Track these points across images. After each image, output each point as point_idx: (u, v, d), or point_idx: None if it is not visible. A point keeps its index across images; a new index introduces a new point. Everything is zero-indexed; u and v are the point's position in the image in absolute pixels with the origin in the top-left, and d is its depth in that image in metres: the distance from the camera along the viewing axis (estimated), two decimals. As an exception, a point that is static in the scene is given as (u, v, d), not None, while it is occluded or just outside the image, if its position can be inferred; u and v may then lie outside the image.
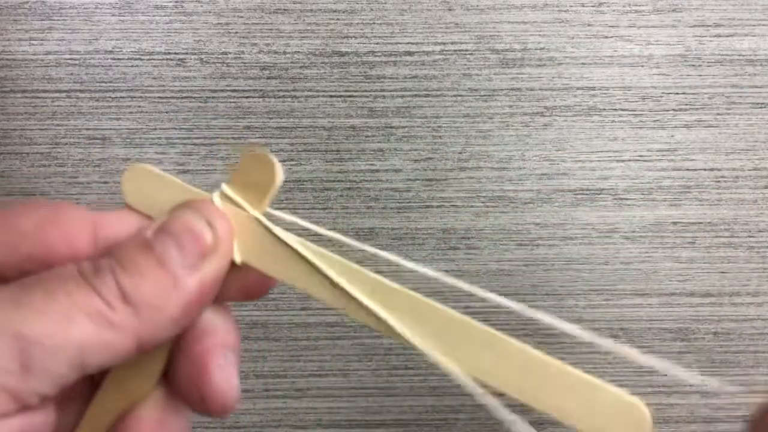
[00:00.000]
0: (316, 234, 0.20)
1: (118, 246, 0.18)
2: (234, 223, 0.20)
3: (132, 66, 0.38)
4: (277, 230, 0.20)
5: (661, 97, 0.38)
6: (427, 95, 0.38)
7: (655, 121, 0.38)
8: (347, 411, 0.39)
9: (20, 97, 0.38)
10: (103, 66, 0.38)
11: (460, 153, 0.38)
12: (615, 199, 0.39)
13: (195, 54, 0.38)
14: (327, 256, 0.19)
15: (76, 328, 0.16)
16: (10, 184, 0.38)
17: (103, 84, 0.38)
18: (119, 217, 0.20)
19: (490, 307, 0.22)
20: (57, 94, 0.38)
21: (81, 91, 0.38)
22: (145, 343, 0.17)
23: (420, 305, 0.18)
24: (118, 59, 0.38)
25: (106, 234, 0.20)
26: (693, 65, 0.38)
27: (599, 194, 0.39)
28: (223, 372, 0.19)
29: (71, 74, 0.38)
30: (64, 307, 0.16)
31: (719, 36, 0.38)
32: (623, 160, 0.39)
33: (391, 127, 0.38)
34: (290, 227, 0.20)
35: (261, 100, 0.38)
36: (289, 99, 0.38)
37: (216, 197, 0.20)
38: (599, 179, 0.39)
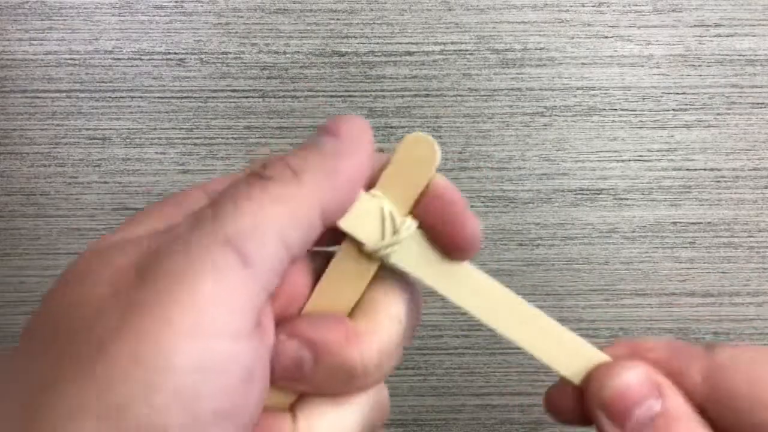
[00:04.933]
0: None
1: None
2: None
3: (132, 66, 0.38)
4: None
5: (661, 97, 0.38)
6: (427, 95, 0.38)
7: (655, 121, 0.38)
8: (347, 411, 0.39)
9: (20, 97, 0.38)
10: (103, 66, 0.38)
11: (460, 153, 0.38)
12: (615, 199, 0.39)
13: (195, 54, 0.38)
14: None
15: (268, 212, 0.17)
16: (10, 184, 0.38)
17: (103, 84, 0.38)
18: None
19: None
20: (57, 94, 0.38)
21: (81, 91, 0.38)
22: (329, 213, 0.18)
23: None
24: (118, 59, 0.38)
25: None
26: (693, 65, 0.38)
27: (599, 194, 0.39)
28: (469, 215, 0.20)
29: (71, 74, 0.38)
30: (254, 203, 0.17)
31: (719, 36, 0.38)
32: (623, 160, 0.39)
33: (391, 127, 0.38)
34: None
35: (261, 100, 0.38)
36: (289, 99, 0.38)
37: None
38: (599, 179, 0.39)
